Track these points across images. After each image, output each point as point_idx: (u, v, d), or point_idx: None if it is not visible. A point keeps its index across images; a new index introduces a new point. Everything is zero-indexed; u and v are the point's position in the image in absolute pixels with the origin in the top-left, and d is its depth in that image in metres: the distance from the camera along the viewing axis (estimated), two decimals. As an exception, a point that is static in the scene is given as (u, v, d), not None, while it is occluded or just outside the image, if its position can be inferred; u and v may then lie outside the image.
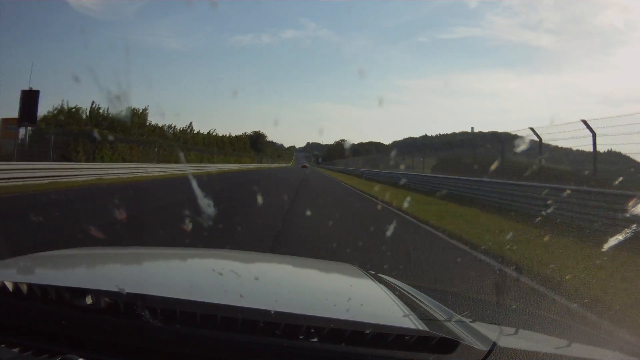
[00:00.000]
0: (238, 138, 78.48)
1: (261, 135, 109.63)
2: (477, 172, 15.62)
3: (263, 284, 1.56)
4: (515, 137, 16.18)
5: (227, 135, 70.21)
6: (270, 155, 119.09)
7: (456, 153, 23.87)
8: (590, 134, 10.74)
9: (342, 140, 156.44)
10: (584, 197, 9.20)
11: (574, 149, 13.21)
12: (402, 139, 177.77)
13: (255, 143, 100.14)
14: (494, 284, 4.35)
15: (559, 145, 14.15)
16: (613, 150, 12.71)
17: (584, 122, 10.82)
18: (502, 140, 15.78)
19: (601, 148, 11.23)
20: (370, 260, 5.11)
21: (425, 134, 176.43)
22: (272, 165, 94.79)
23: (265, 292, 1.44)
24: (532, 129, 13.18)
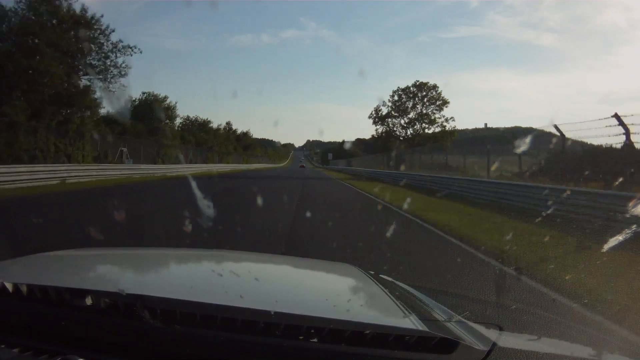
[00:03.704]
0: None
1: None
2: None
3: (263, 285, 1.56)
4: (532, 131, 14.68)
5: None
6: (235, 149, 68.30)
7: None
8: (623, 130, 9.66)
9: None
10: None
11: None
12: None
13: (146, 109, 39.16)
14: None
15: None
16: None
17: (616, 116, 9.76)
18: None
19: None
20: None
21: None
22: (212, 168, 40.98)
23: (265, 293, 1.43)
24: (555, 126, 12.56)
